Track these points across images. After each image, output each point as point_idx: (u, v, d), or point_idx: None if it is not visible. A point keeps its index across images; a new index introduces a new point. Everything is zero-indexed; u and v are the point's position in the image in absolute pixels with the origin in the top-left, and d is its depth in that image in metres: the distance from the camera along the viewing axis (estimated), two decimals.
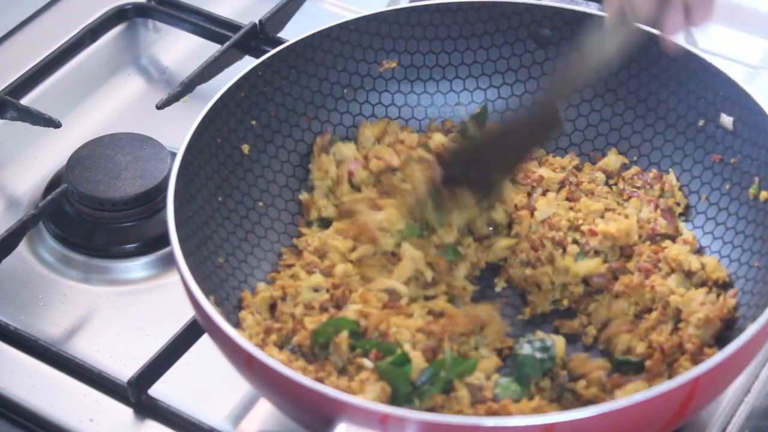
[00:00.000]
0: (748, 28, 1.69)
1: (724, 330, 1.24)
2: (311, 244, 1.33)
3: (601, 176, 1.39)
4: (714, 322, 1.23)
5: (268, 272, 1.33)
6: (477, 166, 1.33)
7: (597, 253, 1.32)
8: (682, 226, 1.35)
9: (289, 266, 1.32)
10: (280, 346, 1.24)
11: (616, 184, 1.39)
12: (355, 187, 1.38)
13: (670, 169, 1.38)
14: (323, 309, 1.26)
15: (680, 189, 1.37)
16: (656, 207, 1.34)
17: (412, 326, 1.23)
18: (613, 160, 1.40)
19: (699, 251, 1.33)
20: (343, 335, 1.22)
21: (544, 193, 1.37)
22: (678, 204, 1.36)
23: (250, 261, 1.32)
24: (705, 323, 1.23)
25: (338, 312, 1.25)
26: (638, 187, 1.37)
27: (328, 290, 1.28)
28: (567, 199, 1.37)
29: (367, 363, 1.20)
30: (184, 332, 1.29)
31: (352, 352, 1.22)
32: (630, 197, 1.36)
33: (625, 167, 1.40)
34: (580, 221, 1.34)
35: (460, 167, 1.33)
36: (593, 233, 1.32)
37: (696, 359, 1.21)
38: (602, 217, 1.34)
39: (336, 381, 1.18)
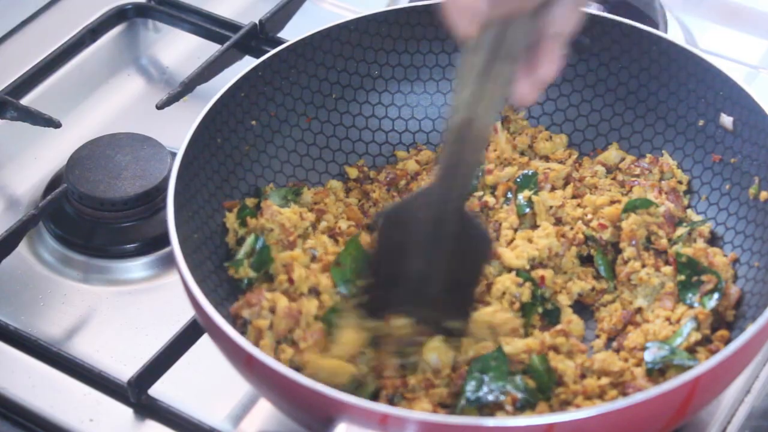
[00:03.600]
0: (748, 28, 1.69)
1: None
2: None
3: (601, 170, 1.39)
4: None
5: None
6: (418, 299, 1.20)
7: (614, 246, 1.32)
8: (690, 212, 1.34)
9: None
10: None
11: (615, 178, 1.38)
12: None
13: (663, 151, 1.38)
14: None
15: (678, 167, 1.36)
16: (660, 191, 1.34)
17: None
18: (613, 155, 1.39)
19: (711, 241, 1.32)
20: None
21: (552, 190, 1.36)
22: (680, 183, 1.36)
23: None
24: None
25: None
26: (637, 175, 1.37)
27: None
28: (573, 196, 1.36)
29: None
30: (184, 332, 1.29)
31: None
32: (632, 187, 1.35)
33: (622, 161, 1.40)
34: (589, 216, 1.33)
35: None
36: (603, 226, 1.31)
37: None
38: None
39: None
